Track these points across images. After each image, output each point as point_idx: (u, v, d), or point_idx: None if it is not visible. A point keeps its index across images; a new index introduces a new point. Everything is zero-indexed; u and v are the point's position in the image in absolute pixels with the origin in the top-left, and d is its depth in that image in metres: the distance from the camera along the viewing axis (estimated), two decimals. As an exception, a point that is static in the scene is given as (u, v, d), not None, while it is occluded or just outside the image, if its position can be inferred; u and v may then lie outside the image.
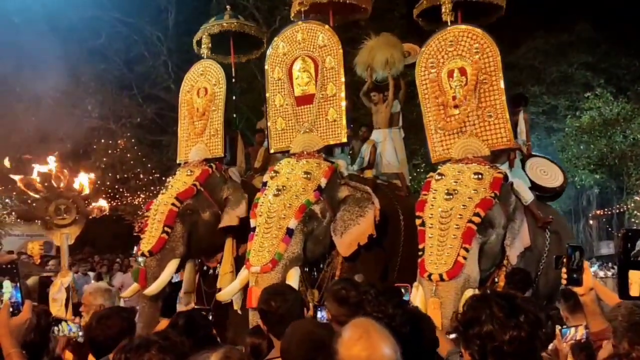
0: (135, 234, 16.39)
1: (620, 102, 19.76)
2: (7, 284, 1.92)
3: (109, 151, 15.86)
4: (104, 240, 15.73)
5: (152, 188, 15.80)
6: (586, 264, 2.10)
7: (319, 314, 3.26)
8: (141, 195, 16.18)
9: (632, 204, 20.57)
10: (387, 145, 6.07)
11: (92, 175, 6.72)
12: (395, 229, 5.09)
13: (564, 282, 2.11)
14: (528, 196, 4.90)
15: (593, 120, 19.90)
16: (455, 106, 4.82)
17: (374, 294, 2.20)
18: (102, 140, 15.89)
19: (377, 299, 2.20)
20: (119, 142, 16.03)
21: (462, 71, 4.82)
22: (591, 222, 27.83)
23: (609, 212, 25.61)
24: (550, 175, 5.69)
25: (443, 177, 4.53)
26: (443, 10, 5.08)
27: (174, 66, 16.88)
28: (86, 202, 6.41)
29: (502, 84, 4.74)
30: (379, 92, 6.26)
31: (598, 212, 26.58)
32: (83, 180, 6.35)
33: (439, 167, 4.73)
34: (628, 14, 19.77)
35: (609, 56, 20.45)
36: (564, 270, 2.06)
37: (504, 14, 5.76)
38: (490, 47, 4.80)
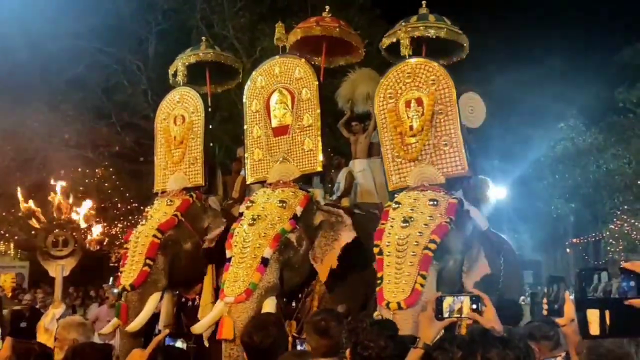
0: (111, 264, 16.12)
1: (593, 132, 20.27)
2: None
3: (86, 180, 15.66)
4: (78, 271, 15.39)
5: (130, 217, 15.60)
6: (567, 294, 2.13)
7: (298, 347, 3.22)
8: (118, 225, 15.95)
9: (607, 232, 20.93)
10: (365, 175, 6.10)
11: (91, 208, 6.69)
12: (373, 259, 5.08)
13: (545, 312, 2.13)
14: (483, 223, 4.92)
15: (567, 150, 20.35)
16: (412, 135, 4.90)
17: (368, 323, 2.20)
18: (79, 169, 15.72)
19: (370, 328, 2.19)
20: (96, 171, 15.85)
21: (419, 101, 4.91)
22: (568, 250, 28.18)
23: (585, 241, 25.99)
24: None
25: (400, 205, 4.55)
26: (402, 44, 5.22)
27: (153, 95, 16.86)
28: (83, 235, 6.36)
29: (457, 114, 4.84)
30: (361, 122, 6.35)
31: (574, 240, 26.95)
32: (83, 213, 6.35)
33: (395, 195, 4.76)
34: (597, 47, 20.49)
35: (580, 88, 21.05)
36: (544, 301, 2.08)
37: (464, 57, 5.91)
38: (446, 78, 4.90)
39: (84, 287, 13.52)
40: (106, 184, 16.00)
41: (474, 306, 1.87)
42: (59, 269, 5.69)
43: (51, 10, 14.03)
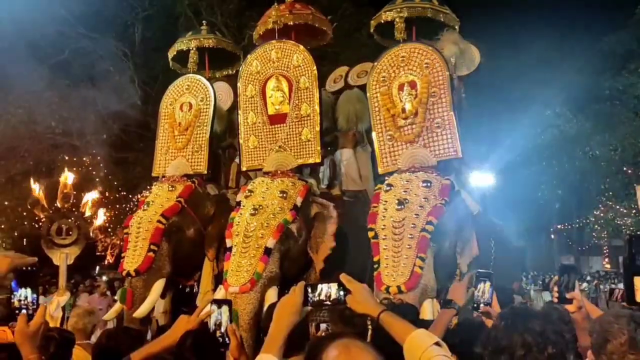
0: (97, 253, 16.01)
1: (579, 120, 20.45)
2: (26, 291, 2.03)
3: (73, 168, 15.50)
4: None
5: (117, 206, 15.50)
6: (577, 283, 2.22)
7: None
8: (106, 214, 15.83)
9: (593, 219, 21.23)
10: (350, 164, 6.12)
11: (97, 194, 6.68)
12: (367, 246, 5.11)
13: (555, 300, 2.21)
14: (474, 206, 4.91)
15: (554, 138, 20.52)
16: (405, 118, 4.87)
17: (389, 307, 2.23)
18: (66, 158, 15.56)
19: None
20: (83, 159, 15.69)
21: (412, 84, 4.89)
22: (552, 236, 28.54)
23: (569, 227, 26.33)
24: None
25: (392, 187, 4.52)
26: (396, 28, 5.20)
27: (140, 82, 16.70)
28: (88, 222, 6.36)
29: (450, 98, 4.81)
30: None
31: (559, 226, 27.26)
32: (88, 200, 6.36)
33: (386, 177, 4.74)
34: (583, 35, 20.61)
35: (567, 76, 21.20)
36: (555, 289, 2.15)
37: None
38: (440, 62, 4.90)
39: (72, 276, 13.43)
40: (94, 172, 15.85)
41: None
42: (63, 257, 5.69)
43: (34, -5, 13.77)
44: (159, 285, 4.85)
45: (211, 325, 2.50)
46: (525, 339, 1.64)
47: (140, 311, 4.69)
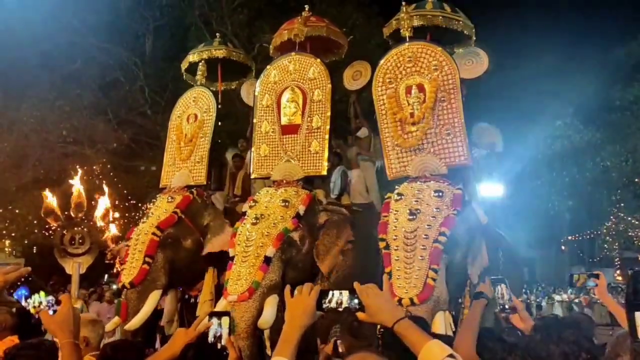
0: (106, 262, 16.05)
1: (590, 130, 20.35)
2: (39, 296, 2.01)
3: (84, 177, 15.58)
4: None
5: (127, 215, 15.53)
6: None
7: None
8: (115, 222, 15.87)
9: (604, 230, 21.05)
10: (358, 181, 6.11)
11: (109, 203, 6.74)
12: (377, 255, 5.07)
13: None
14: (482, 217, 4.81)
15: (564, 148, 20.42)
16: (413, 123, 4.77)
17: None
18: (77, 166, 15.66)
19: None
20: (94, 167, 15.79)
21: (420, 88, 4.77)
22: (563, 247, 28.30)
23: (580, 238, 26.11)
24: None
25: (402, 197, 4.44)
26: (402, 25, 5.06)
27: (150, 91, 16.83)
28: (101, 232, 6.41)
29: (460, 102, 4.71)
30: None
31: (570, 237, 27.03)
32: (101, 209, 6.43)
33: (396, 186, 4.65)
34: (593, 46, 20.56)
35: (577, 86, 21.11)
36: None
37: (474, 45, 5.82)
38: (449, 65, 4.77)
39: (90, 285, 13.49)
40: (104, 181, 15.95)
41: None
42: (75, 267, 5.73)
43: (47, 6, 13.96)
44: (153, 297, 4.85)
45: (210, 338, 2.49)
46: (562, 348, 1.79)
47: (132, 323, 4.67)
